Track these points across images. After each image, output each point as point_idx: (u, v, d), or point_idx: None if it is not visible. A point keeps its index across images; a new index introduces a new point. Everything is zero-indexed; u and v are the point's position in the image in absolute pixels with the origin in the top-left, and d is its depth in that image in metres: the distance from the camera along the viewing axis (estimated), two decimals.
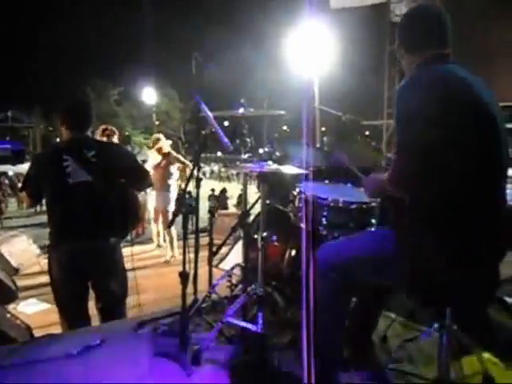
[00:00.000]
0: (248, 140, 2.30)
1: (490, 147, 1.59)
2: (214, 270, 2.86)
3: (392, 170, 1.62)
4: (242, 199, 2.63)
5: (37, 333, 2.81)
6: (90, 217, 2.56)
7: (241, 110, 2.26)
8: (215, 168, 36.04)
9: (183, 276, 2.09)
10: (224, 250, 3.09)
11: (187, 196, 2.20)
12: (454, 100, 1.54)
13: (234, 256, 3.00)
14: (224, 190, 20.07)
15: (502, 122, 1.65)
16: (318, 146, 2.55)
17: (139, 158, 3.43)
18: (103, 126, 4.91)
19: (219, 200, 19.19)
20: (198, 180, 2.30)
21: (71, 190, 2.55)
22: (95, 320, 2.72)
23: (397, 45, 1.85)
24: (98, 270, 2.63)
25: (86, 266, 2.58)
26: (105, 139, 4.61)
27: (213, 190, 18.68)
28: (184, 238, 2.08)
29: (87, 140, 2.68)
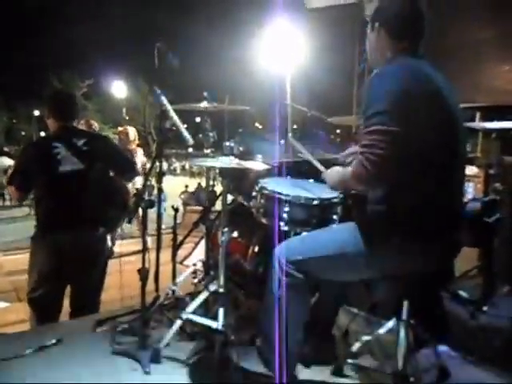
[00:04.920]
0: (211, 135, 2.27)
1: (449, 143, 1.61)
2: (179, 266, 2.82)
3: (356, 164, 1.59)
4: (206, 195, 2.61)
5: None
6: (80, 206, 2.52)
7: (203, 104, 2.23)
8: (186, 165, 35.74)
9: (143, 273, 2.05)
10: (189, 246, 3.05)
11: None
12: (416, 95, 1.53)
13: (199, 252, 2.97)
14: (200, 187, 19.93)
15: (461, 119, 1.67)
16: (282, 141, 2.54)
17: None
18: (86, 119, 5.16)
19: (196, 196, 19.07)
20: (161, 175, 2.26)
21: (62, 177, 2.50)
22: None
23: (376, 27, 1.73)
24: (82, 258, 2.56)
25: (72, 255, 2.52)
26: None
27: (186, 186, 18.49)
28: (143, 233, 2.03)
29: (76, 129, 2.68)
